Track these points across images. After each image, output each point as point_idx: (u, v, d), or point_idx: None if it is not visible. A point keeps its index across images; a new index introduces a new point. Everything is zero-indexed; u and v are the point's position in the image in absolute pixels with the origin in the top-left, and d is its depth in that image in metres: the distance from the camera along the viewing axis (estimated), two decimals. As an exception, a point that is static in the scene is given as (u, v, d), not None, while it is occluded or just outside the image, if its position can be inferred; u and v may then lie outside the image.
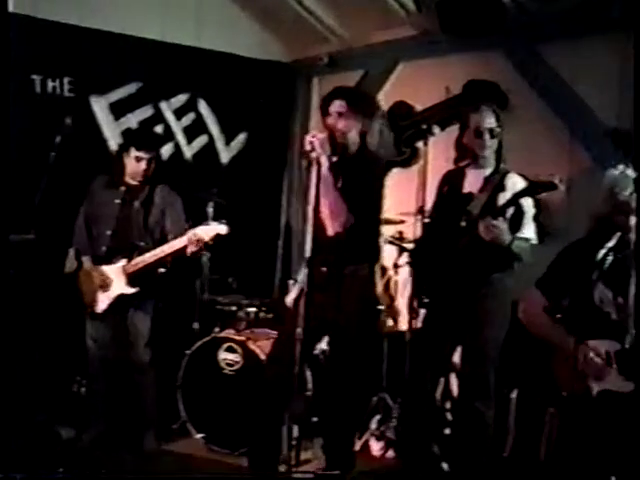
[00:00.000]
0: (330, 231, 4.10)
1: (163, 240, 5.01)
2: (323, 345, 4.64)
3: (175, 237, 4.93)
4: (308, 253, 3.90)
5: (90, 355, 5.17)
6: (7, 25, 4.12)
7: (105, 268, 5.05)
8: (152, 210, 5.08)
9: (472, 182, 4.52)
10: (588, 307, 3.88)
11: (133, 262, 4.97)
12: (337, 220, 4.10)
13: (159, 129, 6.63)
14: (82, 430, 5.15)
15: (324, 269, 4.19)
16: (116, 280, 5.00)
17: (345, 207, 4.08)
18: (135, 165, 5.03)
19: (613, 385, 3.79)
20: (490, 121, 4.46)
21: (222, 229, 4.97)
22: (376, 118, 4.35)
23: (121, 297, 5.02)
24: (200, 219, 5.73)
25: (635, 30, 4.79)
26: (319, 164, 4.04)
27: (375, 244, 4.44)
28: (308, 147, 4.05)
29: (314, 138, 4.04)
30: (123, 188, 5.12)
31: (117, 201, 5.09)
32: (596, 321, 3.85)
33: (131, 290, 4.99)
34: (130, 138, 5.29)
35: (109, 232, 5.08)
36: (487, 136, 4.45)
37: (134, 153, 5.02)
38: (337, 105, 4.22)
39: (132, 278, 4.98)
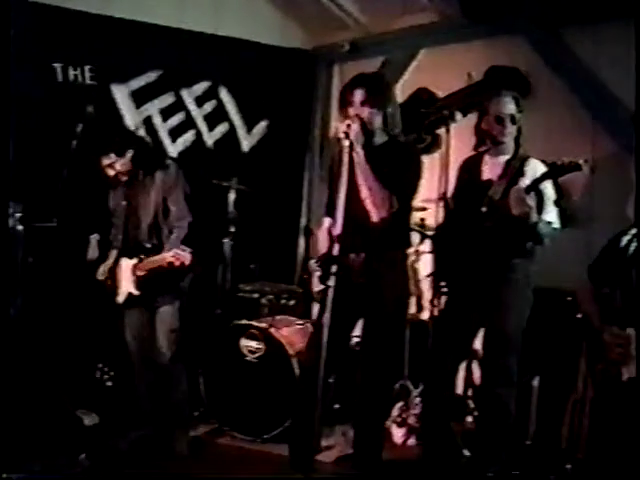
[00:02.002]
0: (375, 217, 4.12)
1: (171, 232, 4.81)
2: (357, 332, 4.62)
3: (180, 223, 4.76)
4: (339, 231, 3.90)
5: (130, 351, 5.00)
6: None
7: (122, 262, 4.92)
8: (152, 203, 4.82)
9: (491, 169, 4.50)
10: (629, 295, 3.89)
11: (141, 265, 4.78)
12: (383, 206, 4.11)
13: (180, 117, 6.63)
14: (116, 425, 5.07)
15: (362, 255, 4.20)
16: (127, 278, 4.85)
17: (388, 193, 4.09)
18: (110, 170, 4.82)
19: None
20: (511, 107, 4.43)
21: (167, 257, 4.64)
22: (393, 103, 4.35)
23: (131, 296, 4.87)
24: (221, 207, 5.79)
25: (636, 20, 4.78)
26: (352, 152, 4.03)
27: (409, 230, 4.46)
28: (342, 135, 4.04)
29: (349, 127, 4.04)
30: (124, 188, 4.92)
31: (123, 203, 4.94)
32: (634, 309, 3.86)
33: (137, 292, 4.81)
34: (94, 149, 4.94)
35: (120, 236, 4.96)
36: (508, 122, 4.42)
37: (102, 162, 4.81)
38: (359, 94, 4.21)
39: (140, 282, 4.79)
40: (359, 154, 4.06)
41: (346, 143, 4.01)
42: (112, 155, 4.76)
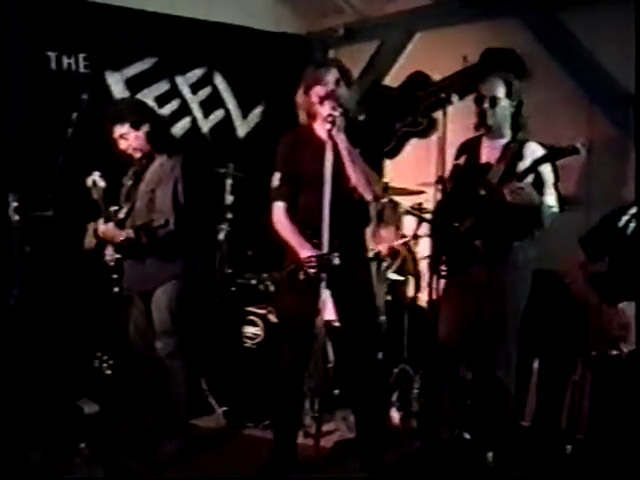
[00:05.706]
0: (369, 197, 4.15)
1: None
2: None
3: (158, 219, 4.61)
4: (326, 219, 3.89)
5: (131, 346, 4.90)
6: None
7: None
8: (142, 188, 4.72)
9: (489, 152, 4.48)
10: (624, 270, 3.92)
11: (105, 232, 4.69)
12: (377, 185, 4.20)
13: (175, 104, 6.61)
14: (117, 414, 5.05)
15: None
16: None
17: (374, 172, 4.13)
18: (123, 141, 4.74)
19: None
20: (495, 89, 4.36)
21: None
22: (354, 87, 4.40)
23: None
24: (218, 194, 5.78)
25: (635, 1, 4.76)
26: (337, 136, 4.02)
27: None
28: (329, 118, 4.02)
29: (336, 111, 4.03)
30: (134, 168, 4.84)
31: (129, 182, 4.81)
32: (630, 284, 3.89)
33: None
34: (108, 116, 4.82)
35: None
36: (487, 105, 4.37)
37: (115, 132, 4.73)
38: (335, 73, 4.20)
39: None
40: (343, 138, 4.04)
41: (328, 126, 4.01)
42: (126, 125, 4.68)
